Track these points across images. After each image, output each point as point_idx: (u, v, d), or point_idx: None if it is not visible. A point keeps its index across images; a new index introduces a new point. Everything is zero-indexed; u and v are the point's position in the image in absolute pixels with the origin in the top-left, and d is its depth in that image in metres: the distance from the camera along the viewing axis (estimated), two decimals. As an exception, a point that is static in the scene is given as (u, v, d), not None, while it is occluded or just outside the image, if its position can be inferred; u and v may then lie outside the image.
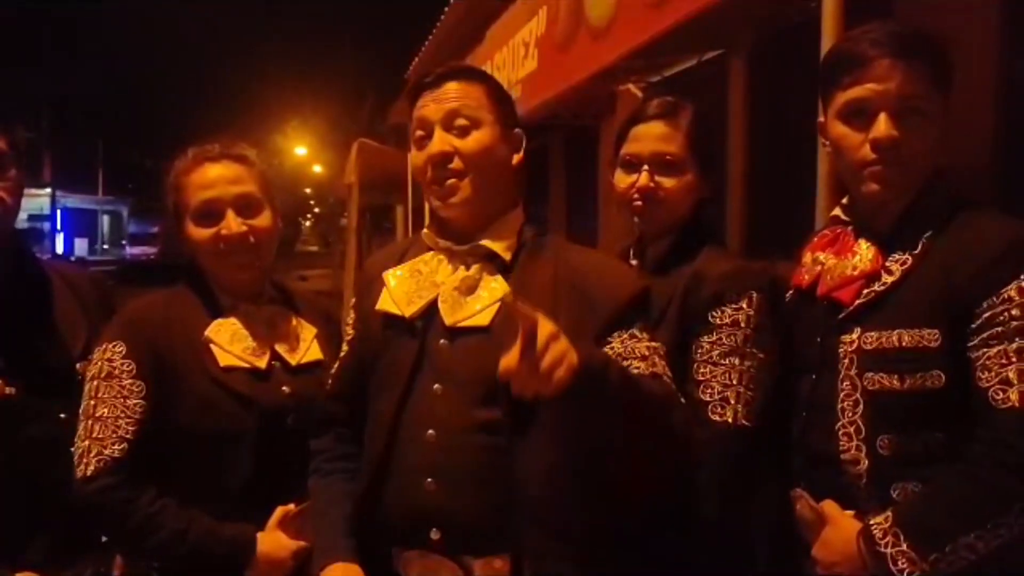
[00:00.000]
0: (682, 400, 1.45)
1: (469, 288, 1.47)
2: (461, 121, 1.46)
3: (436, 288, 1.48)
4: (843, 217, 1.54)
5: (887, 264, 1.42)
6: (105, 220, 35.15)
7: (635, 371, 1.39)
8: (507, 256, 1.48)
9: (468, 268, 1.49)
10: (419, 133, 1.49)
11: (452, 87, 1.48)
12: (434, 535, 1.40)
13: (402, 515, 1.43)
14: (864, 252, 1.45)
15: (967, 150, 2.75)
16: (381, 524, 1.45)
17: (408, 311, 1.49)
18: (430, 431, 1.42)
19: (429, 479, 1.40)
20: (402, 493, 1.43)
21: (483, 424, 1.40)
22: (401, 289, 1.51)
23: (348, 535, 1.48)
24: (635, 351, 1.43)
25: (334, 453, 1.59)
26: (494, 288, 1.46)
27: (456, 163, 1.45)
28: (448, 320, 1.45)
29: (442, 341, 1.46)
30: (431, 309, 1.48)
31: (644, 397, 1.34)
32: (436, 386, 1.44)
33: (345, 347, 1.63)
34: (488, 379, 1.36)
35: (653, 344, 1.45)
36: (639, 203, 1.70)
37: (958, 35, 2.79)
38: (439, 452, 1.41)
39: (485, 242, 1.48)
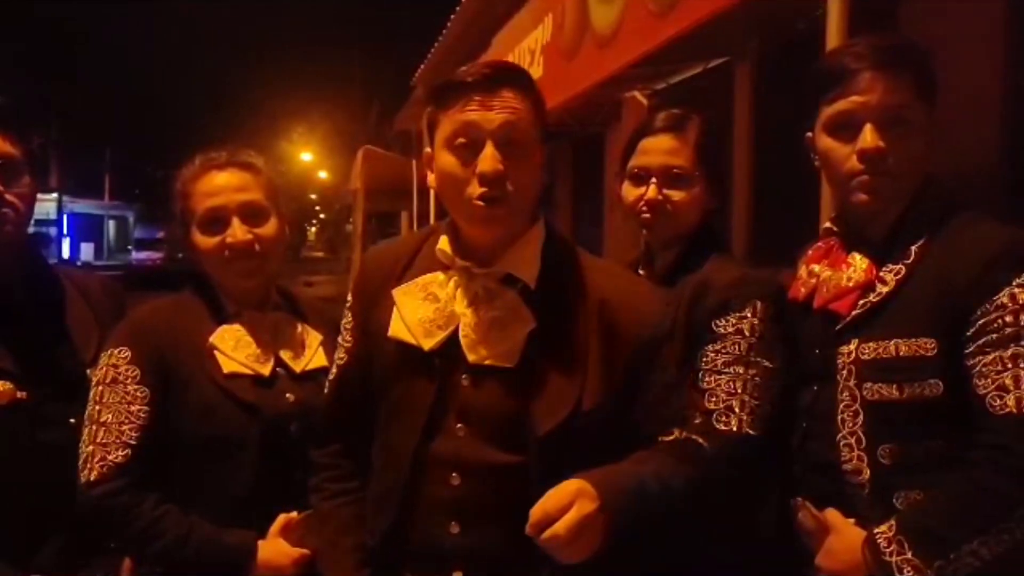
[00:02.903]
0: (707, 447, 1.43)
1: (493, 324, 1.38)
2: (515, 137, 1.33)
3: (456, 319, 1.39)
4: (834, 229, 1.55)
5: (881, 274, 1.42)
6: (111, 225, 35.13)
7: (671, 439, 1.39)
8: (531, 281, 1.40)
9: (488, 292, 1.40)
10: (461, 140, 1.33)
11: (508, 95, 1.33)
12: None
13: (424, 554, 1.38)
14: (858, 263, 1.46)
15: (973, 156, 2.75)
16: (400, 557, 1.41)
17: (427, 344, 1.39)
18: (454, 474, 1.36)
19: (454, 522, 1.36)
20: (425, 533, 1.38)
21: (509, 468, 1.34)
22: (416, 316, 1.41)
23: (360, 567, 1.46)
24: (664, 415, 1.42)
25: (338, 472, 1.54)
26: (520, 325, 1.37)
27: (509, 186, 1.33)
28: (471, 357, 1.37)
29: (464, 378, 1.38)
30: (451, 341, 1.39)
31: (680, 498, 1.31)
32: (459, 426, 1.37)
33: (344, 355, 1.56)
34: (514, 421, 1.34)
35: (683, 387, 1.44)
36: (647, 215, 1.70)
37: (963, 42, 2.80)
38: (464, 496, 1.35)
39: (508, 267, 1.40)
